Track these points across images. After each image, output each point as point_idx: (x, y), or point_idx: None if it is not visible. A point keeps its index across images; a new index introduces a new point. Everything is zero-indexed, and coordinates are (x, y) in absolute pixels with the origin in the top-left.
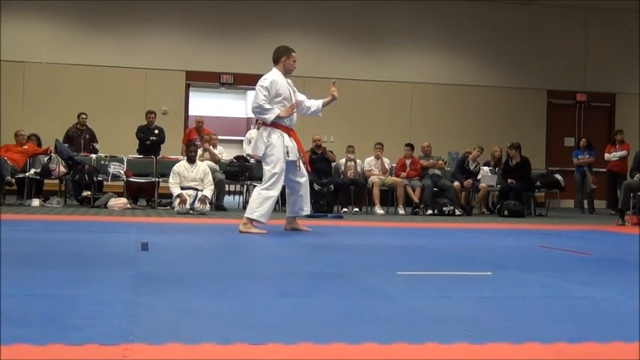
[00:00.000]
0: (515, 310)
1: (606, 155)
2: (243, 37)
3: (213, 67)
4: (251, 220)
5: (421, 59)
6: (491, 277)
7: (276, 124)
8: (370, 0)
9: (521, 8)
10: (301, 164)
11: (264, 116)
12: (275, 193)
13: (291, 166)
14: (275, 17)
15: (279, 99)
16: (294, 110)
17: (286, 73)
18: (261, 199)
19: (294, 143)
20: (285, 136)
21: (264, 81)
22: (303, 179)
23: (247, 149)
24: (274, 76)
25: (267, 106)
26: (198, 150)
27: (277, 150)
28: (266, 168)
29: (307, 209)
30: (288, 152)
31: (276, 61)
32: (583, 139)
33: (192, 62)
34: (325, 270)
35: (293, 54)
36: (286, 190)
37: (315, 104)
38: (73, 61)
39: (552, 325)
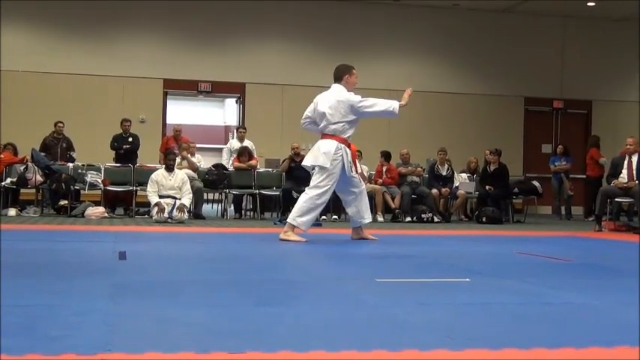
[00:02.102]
0: (494, 317)
1: (601, 160)
2: (221, 45)
3: (191, 75)
4: (292, 227)
5: (400, 67)
6: (469, 284)
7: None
8: (349, 8)
9: (499, 16)
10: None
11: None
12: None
13: (345, 178)
14: (253, 25)
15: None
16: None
17: (350, 89)
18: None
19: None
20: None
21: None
22: (357, 189)
23: (228, 159)
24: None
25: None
26: (177, 158)
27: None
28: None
29: (367, 216)
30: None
31: (338, 79)
32: (560, 146)
33: (170, 70)
34: (304, 278)
35: (354, 71)
36: (344, 203)
37: (383, 105)
38: (50, 69)
39: (531, 331)
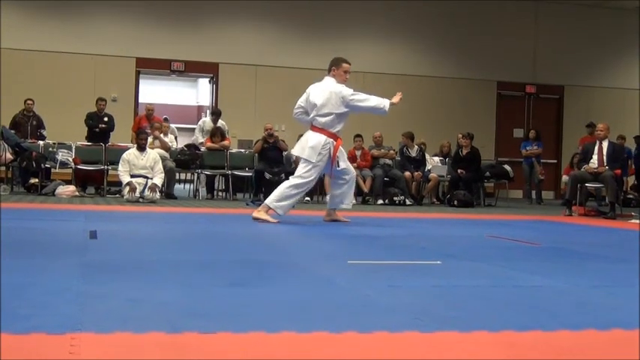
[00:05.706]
0: (464, 299)
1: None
2: (194, 25)
3: (164, 54)
4: (268, 209)
5: (373, 49)
6: (440, 267)
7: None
8: None
9: (473, 1)
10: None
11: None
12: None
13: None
14: (226, 5)
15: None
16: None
17: (339, 81)
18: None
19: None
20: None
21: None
22: (348, 176)
23: (199, 137)
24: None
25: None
26: (149, 138)
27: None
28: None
29: (348, 203)
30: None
31: (328, 71)
32: (532, 131)
33: (143, 49)
34: (276, 259)
35: (343, 65)
36: (331, 183)
37: (373, 101)
38: (21, 46)
39: (500, 314)
